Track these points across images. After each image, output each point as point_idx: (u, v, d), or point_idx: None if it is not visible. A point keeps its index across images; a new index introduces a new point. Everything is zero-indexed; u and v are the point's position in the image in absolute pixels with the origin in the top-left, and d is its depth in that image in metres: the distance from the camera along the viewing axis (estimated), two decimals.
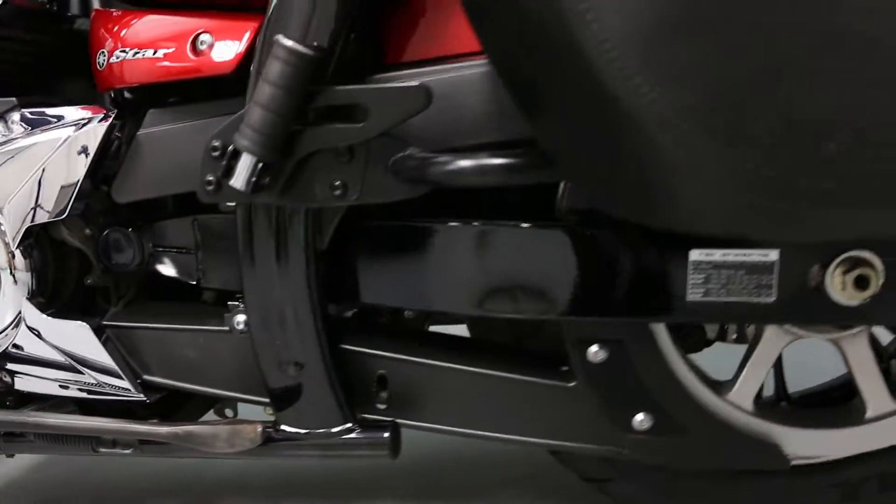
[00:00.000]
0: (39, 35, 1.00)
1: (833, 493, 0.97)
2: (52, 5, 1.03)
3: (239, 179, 0.78)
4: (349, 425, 0.91)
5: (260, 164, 0.77)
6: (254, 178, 0.78)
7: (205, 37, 0.86)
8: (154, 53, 0.87)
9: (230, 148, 0.78)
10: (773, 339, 0.92)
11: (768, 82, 0.50)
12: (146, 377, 0.97)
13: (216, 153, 0.80)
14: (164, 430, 0.88)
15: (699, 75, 0.50)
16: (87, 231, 0.98)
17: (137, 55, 0.88)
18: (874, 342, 1.04)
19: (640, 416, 0.90)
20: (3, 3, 0.94)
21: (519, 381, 0.92)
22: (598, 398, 0.90)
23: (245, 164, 0.77)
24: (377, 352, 0.93)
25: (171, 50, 0.87)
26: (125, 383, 0.95)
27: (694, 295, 0.83)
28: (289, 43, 0.74)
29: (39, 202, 0.91)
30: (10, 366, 0.99)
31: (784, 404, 0.99)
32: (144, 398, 0.96)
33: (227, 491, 1.25)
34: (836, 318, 0.85)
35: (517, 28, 0.59)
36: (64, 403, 1.02)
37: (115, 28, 0.92)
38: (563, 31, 0.53)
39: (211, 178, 0.81)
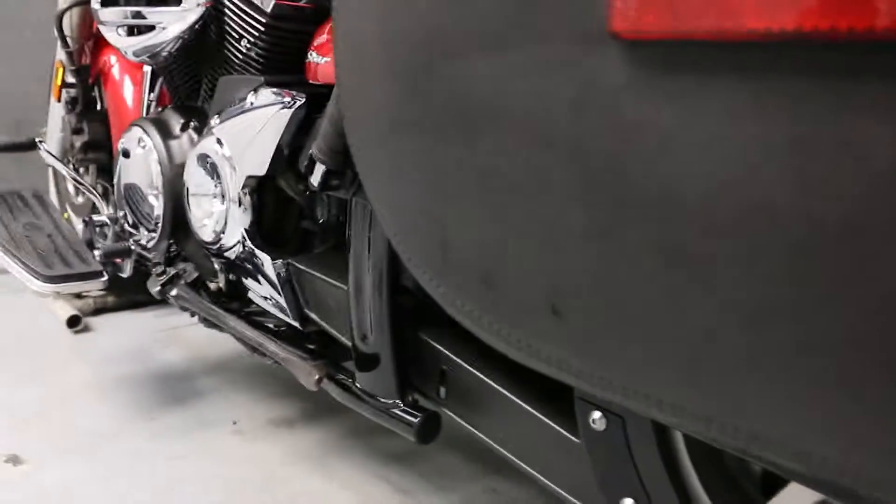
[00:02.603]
0: (305, 26, 1.26)
1: None
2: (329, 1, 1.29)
3: (315, 179, 0.95)
4: (395, 401, 1.04)
5: (327, 170, 0.93)
6: (321, 180, 0.94)
7: None
8: (322, 60, 1.07)
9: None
10: (798, 492, 0.77)
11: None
12: (305, 311, 1.22)
13: (311, 154, 0.97)
14: (281, 353, 1.13)
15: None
16: (300, 186, 1.25)
17: (313, 59, 1.08)
18: None
19: (627, 501, 0.85)
20: (275, 4, 1.23)
21: (544, 422, 0.94)
22: (594, 465, 0.87)
23: (318, 168, 0.94)
24: (442, 349, 1.03)
25: (329, 59, 1.05)
26: (287, 309, 1.22)
27: None
28: None
29: (255, 158, 1.20)
30: (244, 280, 1.33)
31: None
32: (299, 326, 1.22)
33: None
34: None
35: None
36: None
37: (320, 31, 1.14)
38: None
39: None
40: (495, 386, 0.98)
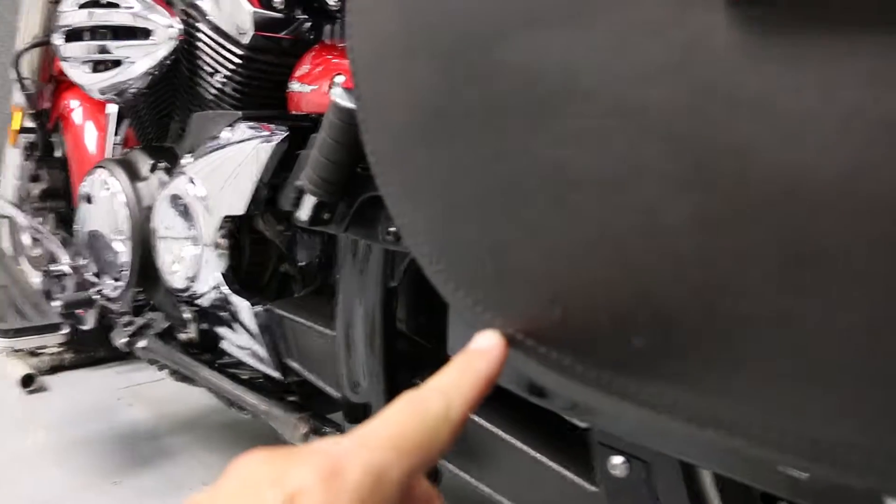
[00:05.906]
0: (284, 59, 1.21)
1: None
2: (310, 34, 1.23)
3: (303, 212, 0.88)
4: None
5: (317, 202, 0.86)
6: (311, 214, 0.87)
7: (339, 78, 0.97)
8: (307, 88, 1.01)
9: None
10: None
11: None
12: (286, 360, 1.13)
13: (299, 186, 0.91)
14: (261, 406, 1.04)
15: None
16: (280, 227, 1.18)
17: (296, 88, 1.02)
18: None
19: None
20: (253, 36, 1.17)
21: (555, 470, 0.87)
22: None
23: (308, 200, 0.87)
24: None
25: (316, 87, 0.99)
26: (266, 359, 1.13)
27: None
28: (337, 100, 0.80)
29: (232, 197, 1.12)
30: (216, 328, 1.24)
31: None
32: (281, 377, 1.13)
33: None
34: None
35: None
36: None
37: (301, 62, 1.08)
38: None
39: None
40: (499, 433, 0.90)
